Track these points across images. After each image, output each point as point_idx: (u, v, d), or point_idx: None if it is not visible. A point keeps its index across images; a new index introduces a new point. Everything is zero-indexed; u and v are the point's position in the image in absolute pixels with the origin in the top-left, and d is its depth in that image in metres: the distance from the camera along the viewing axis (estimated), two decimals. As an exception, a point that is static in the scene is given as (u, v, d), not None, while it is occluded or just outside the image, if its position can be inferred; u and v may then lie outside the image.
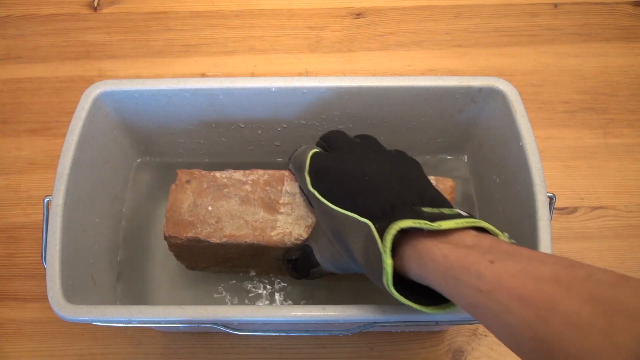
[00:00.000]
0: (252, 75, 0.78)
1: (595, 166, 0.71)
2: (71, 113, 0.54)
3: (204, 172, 0.51)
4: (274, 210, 0.49)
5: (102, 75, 0.77)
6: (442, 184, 0.52)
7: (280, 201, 0.49)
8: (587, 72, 0.77)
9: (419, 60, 0.79)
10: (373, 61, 0.79)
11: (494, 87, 0.53)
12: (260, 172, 0.51)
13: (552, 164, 0.71)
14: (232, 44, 0.80)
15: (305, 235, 0.48)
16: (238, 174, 0.51)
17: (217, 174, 0.51)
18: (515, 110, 0.52)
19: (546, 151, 0.72)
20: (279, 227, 0.49)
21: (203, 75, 0.77)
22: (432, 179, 0.52)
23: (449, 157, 0.65)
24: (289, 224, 0.48)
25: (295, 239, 0.48)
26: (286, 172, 0.51)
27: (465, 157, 0.64)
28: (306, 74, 0.78)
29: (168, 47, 0.80)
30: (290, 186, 0.50)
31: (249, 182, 0.50)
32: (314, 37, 0.81)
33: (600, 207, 0.69)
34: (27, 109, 0.75)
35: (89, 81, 0.77)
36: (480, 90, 0.54)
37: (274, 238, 0.48)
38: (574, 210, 0.69)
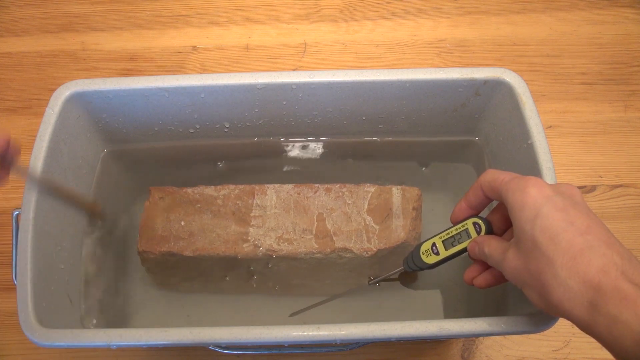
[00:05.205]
0: (247, 47, 0.73)
1: (615, 142, 0.67)
2: (53, 90, 0.50)
3: (176, 188, 0.52)
4: (245, 223, 0.50)
5: (85, 49, 0.72)
6: (409, 192, 0.51)
7: (251, 214, 0.51)
8: (606, 40, 0.72)
9: (426, 30, 0.74)
10: (376, 31, 0.74)
11: (500, 78, 0.50)
12: (232, 186, 0.52)
13: (569, 139, 0.67)
14: (224, 13, 0.75)
15: (275, 246, 0.49)
16: (209, 190, 0.52)
17: (189, 190, 0.52)
18: (524, 104, 0.48)
19: (562, 126, 0.68)
20: (250, 239, 0.50)
21: (194, 48, 0.72)
22: (399, 188, 0.51)
23: (452, 155, 0.60)
24: (260, 235, 0.50)
25: (267, 250, 0.49)
26: (256, 186, 0.52)
27: (471, 154, 0.60)
28: (304, 46, 0.72)
29: (156, 18, 0.74)
30: (260, 199, 0.51)
31: (220, 197, 0.52)
32: (312, 6, 0.75)
33: (620, 186, 0.64)
34: (6, 86, 0.70)
35: (72, 55, 0.72)
36: (485, 82, 0.50)
37: (246, 249, 0.49)
38: (592, 189, 0.64)
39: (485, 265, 0.43)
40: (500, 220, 0.43)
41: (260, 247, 0.49)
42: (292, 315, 0.50)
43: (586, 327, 0.32)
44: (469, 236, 0.43)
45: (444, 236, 0.45)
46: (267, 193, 0.52)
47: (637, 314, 0.29)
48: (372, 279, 0.52)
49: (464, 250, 0.44)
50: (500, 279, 0.42)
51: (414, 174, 0.58)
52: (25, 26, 0.74)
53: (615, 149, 0.66)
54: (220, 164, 0.59)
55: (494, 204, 0.44)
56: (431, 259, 0.45)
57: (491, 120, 0.54)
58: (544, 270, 0.33)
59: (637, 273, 0.31)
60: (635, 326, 0.29)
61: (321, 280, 0.53)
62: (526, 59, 0.72)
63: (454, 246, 0.44)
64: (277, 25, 0.74)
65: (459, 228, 0.44)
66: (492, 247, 0.39)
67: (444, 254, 0.44)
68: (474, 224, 0.43)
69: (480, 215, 0.44)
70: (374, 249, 0.49)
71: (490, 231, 0.43)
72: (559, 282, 0.32)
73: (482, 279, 0.43)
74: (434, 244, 0.45)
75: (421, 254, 0.45)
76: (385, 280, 0.51)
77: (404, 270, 0.48)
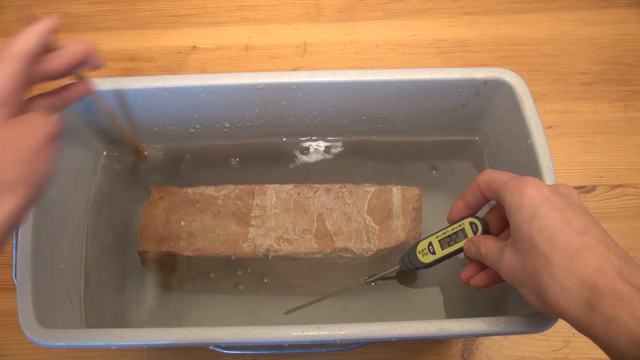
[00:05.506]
0: (247, 47, 0.73)
1: (615, 142, 0.67)
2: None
3: (176, 188, 0.52)
4: (245, 223, 0.50)
5: (85, 49, 0.72)
6: (408, 192, 0.51)
7: (251, 214, 0.51)
8: (606, 40, 0.72)
9: (426, 30, 0.74)
10: (376, 31, 0.74)
11: (499, 78, 0.50)
12: (232, 187, 0.52)
13: (569, 139, 0.67)
14: (224, 13, 0.75)
15: (275, 246, 0.49)
16: (210, 190, 0.52)
17: (189, 190, 0.52)
18: (524, 104, 0.48)
19: (562, 126, 0.68)
20: (250, 239, 0.50)
21: (194, 48, 0.72)
22: (399, 188, 0.52)
23: (453, 154, 0.60)
24: (260, 235, 0.50)
25: (266, 250, 0.49)
26: (256, 187, 0.52)
27: (471, 154, 0.60)
28: (304, 46, 0.72)
29: (156, 18, 0.74)
30: (260, 200, 0.51)
31: (221, 197, 0.52)
32: (312, 6, 0.75)
33: (620, 186, 0.64)
34: (6, 86, 0.70)
35: (72, 55, 0.72)
36: (485, 82, 0.50)
37: (246, 250, 0.49)
38: (592, 189, 0.64)
39: (482, 265, 0.43)
40: (497, 220, 0.43)
41: (260, 247, 0.49)
42: (287, 312, 0.50)
43: (582, 327, 0.32)
44: (465, 236, 0.43)
45: (440, 235, 0.45)
46: (267, 193, 0.52)
47: (633, 315, 0.29)
48: (368, 278, 0.52)
49: (461, 249, 0.44)
50: (496, 279, 0.42)
51: (415, 174, 0.58)
52: (25, 26, 0.74)
53: (615, 149, 0.66)
54: (220, 164, 0.59)
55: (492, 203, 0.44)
56: (427, 258, 0.45)
57: (491, 120, 0.54)
58: (540, 269, 0.33)
59: (634, 274, 0.31)
60: (631, 327, 0.29)
61: (321, 281, 0.53)
62: (526, 59, 0.72)
63: (450, 246, 0.44)
64: (277, 25, 0.74)
65: (456, 227, 0.44)
66: (488, 246, 0.39)
67: (440, 253, 0.44)
68: (471, 223, 0.43)
69: (477, 215, 0.44)
70: (374, 249, 0.49)
71: (486, 231, 0.43)
72: (555, 281, 0.32)
73: (479, 278, 0.43)
74: (430, 243, 0.45)
75: (417, 253, 0.45)
76: (382, 279, 0.51)
77: (401, 269, 0.48)
